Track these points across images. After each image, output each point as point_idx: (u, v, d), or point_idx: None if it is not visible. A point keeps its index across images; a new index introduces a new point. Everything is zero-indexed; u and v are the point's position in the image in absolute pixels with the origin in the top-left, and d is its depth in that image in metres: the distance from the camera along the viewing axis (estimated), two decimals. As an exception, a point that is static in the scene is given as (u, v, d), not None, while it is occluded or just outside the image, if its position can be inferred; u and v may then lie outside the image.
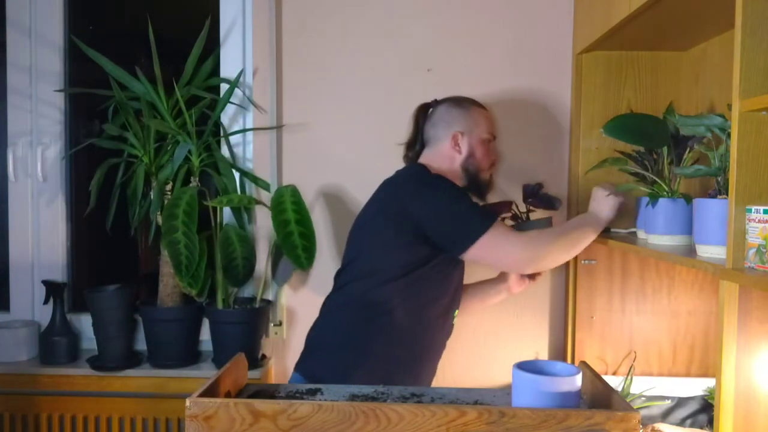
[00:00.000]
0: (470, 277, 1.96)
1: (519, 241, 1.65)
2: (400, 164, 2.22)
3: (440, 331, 1.79)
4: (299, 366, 1.77)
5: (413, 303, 1.69)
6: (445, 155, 1.83)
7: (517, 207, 1.93)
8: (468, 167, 1.81)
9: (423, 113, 1.92)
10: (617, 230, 1.97)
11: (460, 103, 1.87)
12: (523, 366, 1.22)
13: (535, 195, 1.91)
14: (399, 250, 1.67)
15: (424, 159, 1.87)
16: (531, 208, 1.92)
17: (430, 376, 1.82)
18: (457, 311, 1.85)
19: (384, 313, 1.68)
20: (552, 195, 1.92)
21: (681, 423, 1.89)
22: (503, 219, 1.88)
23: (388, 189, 1.78)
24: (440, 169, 1.80)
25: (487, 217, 1.64)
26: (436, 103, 1.91)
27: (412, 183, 1.73)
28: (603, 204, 1.76)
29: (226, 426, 1.15)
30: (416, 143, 1.91)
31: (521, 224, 1.86)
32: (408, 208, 1.66)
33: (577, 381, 1.18)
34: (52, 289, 2.21)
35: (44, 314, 2.25)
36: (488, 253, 1.63)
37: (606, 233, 1.95)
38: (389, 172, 2.21)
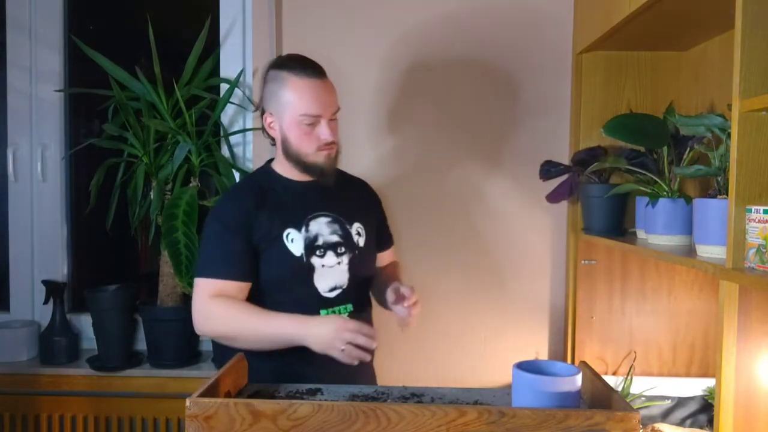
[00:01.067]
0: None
1: (199, 306, 1.55)
2: (399, 164, 2.23)
3: None
4: None
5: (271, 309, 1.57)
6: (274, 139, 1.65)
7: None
8: (288, 152, 1.61)
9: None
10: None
11: (277, 73, 1.59)
12: (523, 366, 1.22)
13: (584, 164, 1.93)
14: None
15: None
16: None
17: (340, 379, 1.48)
18: (327, 310, 1.61)
19: None
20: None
21: (681, 423, 1.89)
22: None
23: None
24: (280, 156, 1.65)
25: (207, 268, 1.56)
26: (269, 66, 1.64)
27: None
28: (329, 340, 1.45)
29: (226, 426, 1.15)
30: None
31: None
32: None
33: (577, 381, 1.18)
34: (52, 289, 2.21)
35: (44, 314, 2.25)
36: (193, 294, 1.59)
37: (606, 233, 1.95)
38: (389, 172, 2.22)
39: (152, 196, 2.10)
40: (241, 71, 2.22)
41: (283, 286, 1.60)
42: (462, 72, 2.21)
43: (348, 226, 1.67)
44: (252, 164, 2.25)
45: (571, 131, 2.17)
